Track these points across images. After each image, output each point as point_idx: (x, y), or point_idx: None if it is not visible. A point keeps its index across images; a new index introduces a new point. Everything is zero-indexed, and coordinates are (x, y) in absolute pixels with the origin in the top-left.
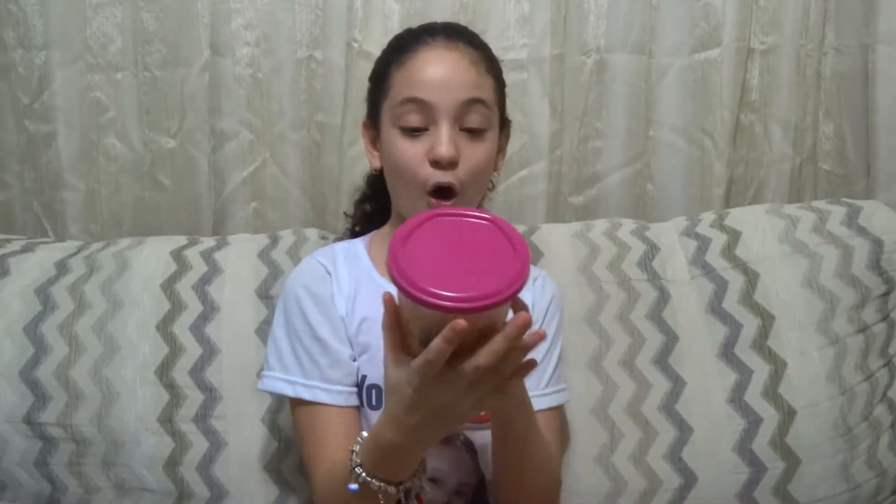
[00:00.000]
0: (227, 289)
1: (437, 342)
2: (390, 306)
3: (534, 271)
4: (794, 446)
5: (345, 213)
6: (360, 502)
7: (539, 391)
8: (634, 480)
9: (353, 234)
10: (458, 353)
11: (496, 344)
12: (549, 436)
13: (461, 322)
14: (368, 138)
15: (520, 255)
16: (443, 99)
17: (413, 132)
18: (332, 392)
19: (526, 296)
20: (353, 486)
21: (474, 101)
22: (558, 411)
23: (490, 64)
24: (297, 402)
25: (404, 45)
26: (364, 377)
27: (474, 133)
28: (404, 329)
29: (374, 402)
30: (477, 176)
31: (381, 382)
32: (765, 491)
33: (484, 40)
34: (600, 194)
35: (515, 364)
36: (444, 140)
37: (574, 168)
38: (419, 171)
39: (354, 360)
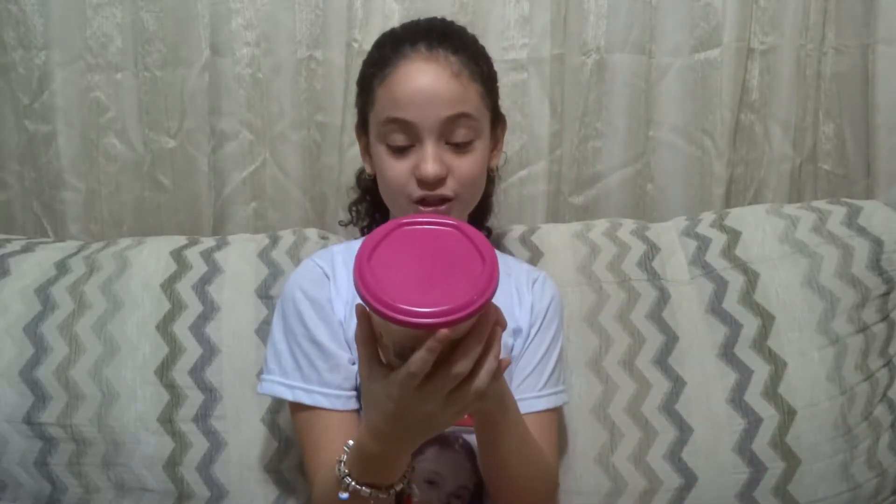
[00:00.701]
0: (227, 289)
1: (420, 354)
2: (363, 319)
3: (533, 272)
4: (794, 446)
5: (350, 208)
6: None
7: (536, 392)
8: (634, 480)
9: (362, 232)
10: (435, 362)
11: (471, 348)
12: (546, 437)
13: (445, 331)
14: (362, 144)
15: (487, 262)
16: (426, 117)
17: (399, 150)
18: (330, 397)
19: (525, 297)
20: (344, 495)
21: (459, 116)
22: (556, 413)
23: (475, 67)
24: (296, 407)
25: (385, 58)
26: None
27: (461, 146)
28: (378, 341)
29: None
30: (468, 186)
31: None
32: (765, 491)
33: (469, 36)
34: (600, 194)
35: (491, 368)
36: (428, 159)
37: (574, 168)
38: (407, 187)
39: (353, 364)
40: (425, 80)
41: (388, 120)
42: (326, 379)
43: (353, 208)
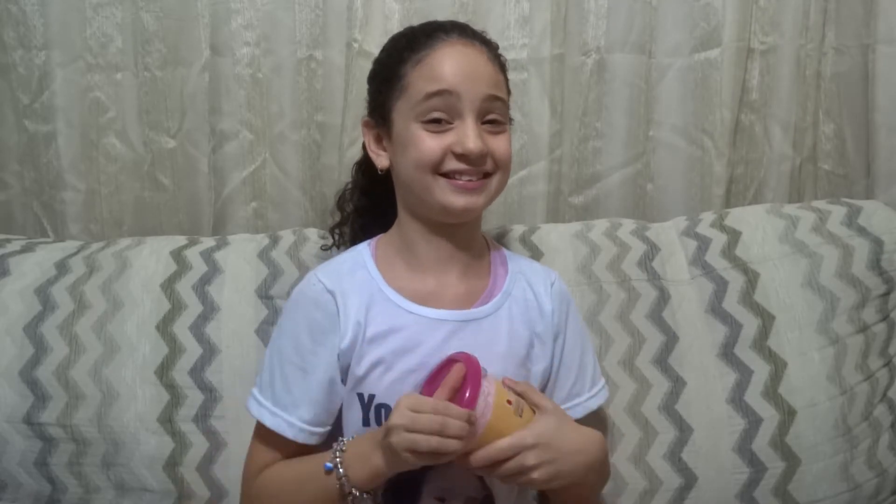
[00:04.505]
0: (227, 289)
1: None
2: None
3: (549, 274)
4: (794, 446)
5: (332, 231)
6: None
7: (587, 394)
8: (634, 480)
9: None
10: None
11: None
12: (603, 432)
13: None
14: (372, 137)
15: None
16: (468, 91)
17: (437, 126)
18: (294, 427)
19: (544, 301)
20: (329, 465)
21: (495, 99)
22: (604, 409)
23: (501, 62)
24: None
25: (419, 42)
26: (372, 396)
27: (495, 125)
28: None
29: (383, 421)
30: (503, 166)
31: (390, 402)
32: (765, 491)
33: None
34: (600, 194)
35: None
36: (471, 134)
37: (574, 168)
38: (441, 161)
39: (340, 399)
40: (466, 58)
41: (431, 94)
42: (299, 410)
43: (336, 231)
